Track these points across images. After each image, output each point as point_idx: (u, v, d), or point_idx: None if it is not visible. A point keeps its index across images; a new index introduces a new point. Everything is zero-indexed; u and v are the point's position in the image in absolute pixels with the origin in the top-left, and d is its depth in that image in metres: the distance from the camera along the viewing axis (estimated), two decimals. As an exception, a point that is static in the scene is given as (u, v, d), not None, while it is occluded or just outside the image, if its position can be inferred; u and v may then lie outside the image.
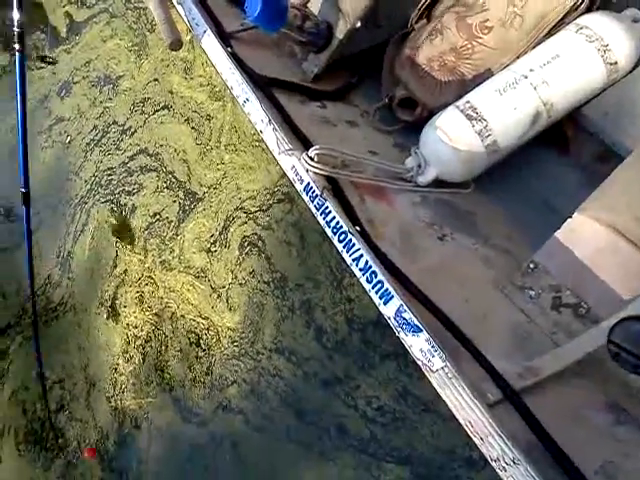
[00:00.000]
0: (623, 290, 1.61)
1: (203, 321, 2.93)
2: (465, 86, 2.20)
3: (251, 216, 2.89)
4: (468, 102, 1.98)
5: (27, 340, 3.81)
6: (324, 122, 2.17)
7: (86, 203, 3.69)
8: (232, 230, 2.94)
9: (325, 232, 1.76)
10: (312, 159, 1.77)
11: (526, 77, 2.00)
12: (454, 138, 1.96)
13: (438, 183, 2.04)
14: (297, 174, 1.83)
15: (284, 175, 2.72)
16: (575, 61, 1.97)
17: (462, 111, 1.97)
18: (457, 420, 1.90)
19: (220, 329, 2.88)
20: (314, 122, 2.12)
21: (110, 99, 3.76)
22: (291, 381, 2.55)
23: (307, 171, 1.78)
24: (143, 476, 3.02)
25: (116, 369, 3.22)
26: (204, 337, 2.92)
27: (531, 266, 1.78)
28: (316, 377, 2.47)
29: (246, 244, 2.85)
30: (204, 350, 2.89)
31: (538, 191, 2.10)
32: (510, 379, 1.45)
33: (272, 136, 1.90)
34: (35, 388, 3.67)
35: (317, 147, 1.79)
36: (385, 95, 2.30)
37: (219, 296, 2.91)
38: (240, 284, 2.82)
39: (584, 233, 1.70)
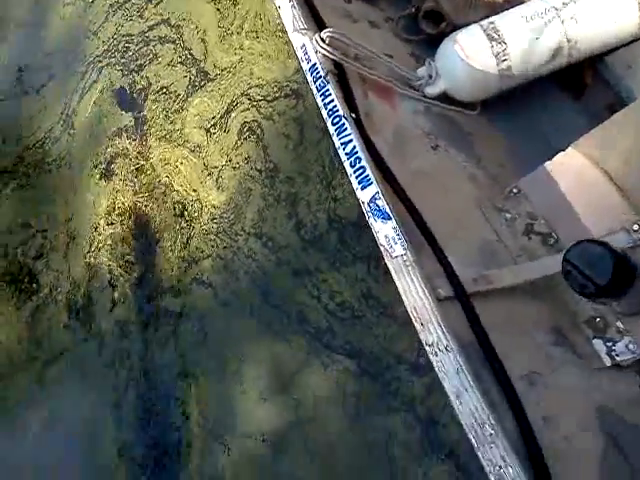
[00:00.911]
0: (595, 228, 1.66)
1: (190, 194, 2.99)
2: (495, 9, 2.18)
3: (255, 104, 2.89)
4: (492, 23, 1.97)
5: (20, 187, 3.86)
6: (346, 16, 2.15)
7: (100, 62, 3.68)
8: (234, 115, 2.96)
9: (321, 113, 1.79)
10: (323, 40, 1.78)
11: (556, 9, 1.98)
12: (470, 55, 1.96)
13: (445, 99, 2.05)
14: (306, 53, 1.84)
15: (298, 71, 2.73)
16: (610, 3, 1.94)
17: (484, 30, 1.96)
18: (411, 327, 2.00)
19: (204, 205, 2.95)
20: (336, 13, 2.10)
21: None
22: (263, 265, 2.64)
23: (316, 52, 1.80)
24: (105, 333, 3.15)
25: (96, 228, 3.30)
26: (188, 210, 2.99)
27: (514, 191, 1.83)
28: (288, 265, 2.56)
29: (245, 130, 2.87)
30: (186, 222, 2.97)
31: (541, 128, 2.12)
32: (464, 282, 1.52)
33: (289, 13, 1.90)
34: (19, 233, 3.76)
35: (331, 30, 1.79)
36: (413, 4, 2.27)
37: (210, 174, 2.96)
38: (233, 167, 2.86)
39: (572, 167, 1.74)
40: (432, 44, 2.08)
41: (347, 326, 2.31)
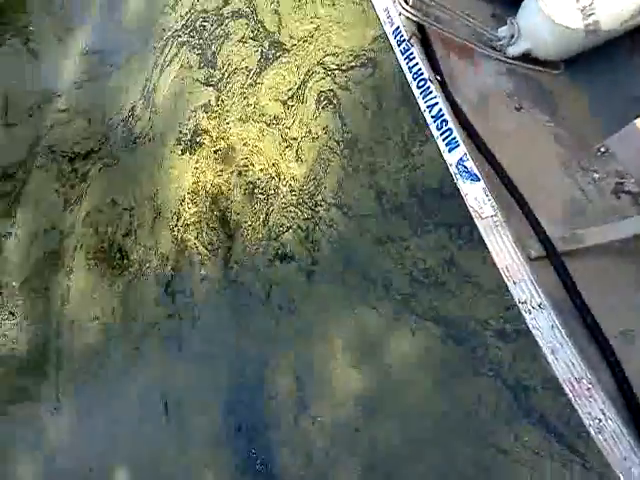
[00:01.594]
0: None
1: (270, 169, 3.06)
2: (579, -38, 2.09)
3: (331, 73, 2.90)
4: (577, -24, 1.91)
5: (106, 167, 4.07)
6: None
7: (179, 37, 3.76)
8: (310, 85, 2.98)
9: (405, 77, 1.81)
10: (407, 2, 1.79)
11: (647, -42, 1.89)
12: (555, 11, 1.91)
13: (528, 59, 2.01)
14: (389, 16, 1.85)
15: (376, 39, 2.72)
16: None
17: (570, -16, 1.90)
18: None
19: (284, 178, 3.01)
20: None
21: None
22: (345, 234, 2.69)
23: (399, 14, 1.80)
24: (192, 307, 3.31)
25: (181, 203, 3.43)
26: (268, 184, 3.06)
27: (601, 150, 1.79)
28: (370, 233, 2.59)
29: (322, 99, 2.89)
30: (266, 196, 3.04)
31: (626, 86, 2.04)
32: (554, 241, 1.52)
33: (371, -24, 1.92)
34: (107, 212, 3.98)
35: (415, -8, 1.79)
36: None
37: (289, 146, 3.01)
38: (312, 138, 2.90)
39: (661, 125, 1.68)
40: (513, 4, 2.04)
41: (432, 292, 2.32)
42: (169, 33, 3.83)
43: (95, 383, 3.74)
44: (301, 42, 3.04)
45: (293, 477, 2.65)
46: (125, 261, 3.73)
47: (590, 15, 1.89)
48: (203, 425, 3.03)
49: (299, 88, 3.01)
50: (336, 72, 2.86)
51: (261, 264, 2.96)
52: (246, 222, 3.09)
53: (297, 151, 2.96)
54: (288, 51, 3.09)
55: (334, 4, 2.89)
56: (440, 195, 2.38)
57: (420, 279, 2.37)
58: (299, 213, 2.87)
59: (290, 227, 2.88)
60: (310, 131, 2.91)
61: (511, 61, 1.96)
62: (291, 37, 3.09)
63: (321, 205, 2.81)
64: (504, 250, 1.49)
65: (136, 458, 3.36)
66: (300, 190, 2.93)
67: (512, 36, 1.95)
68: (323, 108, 2.88)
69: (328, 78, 2.89)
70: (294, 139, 2.98)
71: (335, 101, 2.84)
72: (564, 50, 1.99)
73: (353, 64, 2.79)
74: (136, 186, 3.80)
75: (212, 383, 3.01)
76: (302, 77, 3.00)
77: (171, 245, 3.45)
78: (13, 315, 4.63)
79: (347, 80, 2.80)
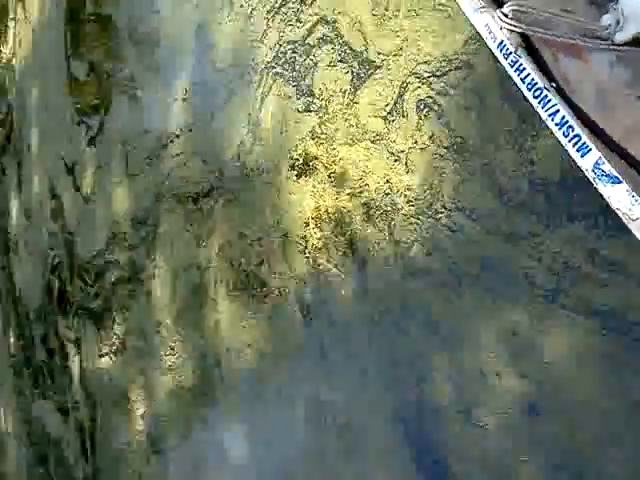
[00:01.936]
0: None
1: (383, 185, 3.14)
2: None
3: (425, 81, 2.92)
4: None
5: (228, 202, 4.36)
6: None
7: (274, 68, 3.90)
8: (407, 97, 3.02)
9: (520, 89, 1.82)
10: (506, 16, 1.80)
11: None
12: (659, -12, 1.82)
13: (638, 42, 1.93)
14: (490, 32, 1.87)
15: (466, 42, 2.70)
16: None
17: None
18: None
19: (399, 191, 3.09)
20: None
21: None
22: (472, 236, 2.71)
23: (501, 28, 1.82)
24: (335, 325, 3.48)
25: (306, 226, 3.61)
26: (384, 201, 3.15)
27: None
28: (498, 233, 2.60)
29: (423, 108, 2.92)
30: (385, 214, 3.14)
31: None
32: None
33: (465, -6, 1.94)
34: (237, 245, 4.26)
35: (512, 3, 1.80)
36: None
37: (397, 160, 3.08)
38: (420, 149, 2.95)
39: None
40: (611, -13, 1.96)
41: (578, 285, 2.30)
42: (262, 66, 3.98)
43: (260, 404, 4.05)
44: (391, 56, 3.08)
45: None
46: (264, 289, 3.99)
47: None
48: (371, 441, 3.21)
49: (396, 102, 3.05)
50: (431, 79, 2.88)
51: (395, 280, 3.06)
52: (372, 241, 3.20)
53: (406, 163, 3.02)
54: (379, 67, 3.14)
55: (417, 14, 2.90)
56: (564, 187, 2.34)
57: (562, 273, 2.35)
58: (421, 224, 2.94)
59: (415, 240, 2.96)
60: (416, 141, 2.96)
61: (622, 48, 1.89)
62: (379, 53, 3.14)
63: (441, 212, 2.85)
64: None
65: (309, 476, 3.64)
66: (416, 200, 2.98)
67: (617, 22, 1.88)
68: (425, 116, 2.91)
69: (424, 86, 2.92)
70: (401, 152, 3.04)
71: (436, 107, 2.86)
72: (676, 26, 1.89)
73: (447, 69, 2.79)
74: (260, 216, 4.04)
75: (372, 399, 3.18)
76: (397, 90, 3.05)
77: (305, 268, 3.64)
78: (173, 350, 5.10)
79: (444, 85, 2.81)
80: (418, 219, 3.00)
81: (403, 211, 3.08)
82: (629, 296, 2.16)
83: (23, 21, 9.80)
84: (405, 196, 3.07)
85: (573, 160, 1.71)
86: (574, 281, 2.33)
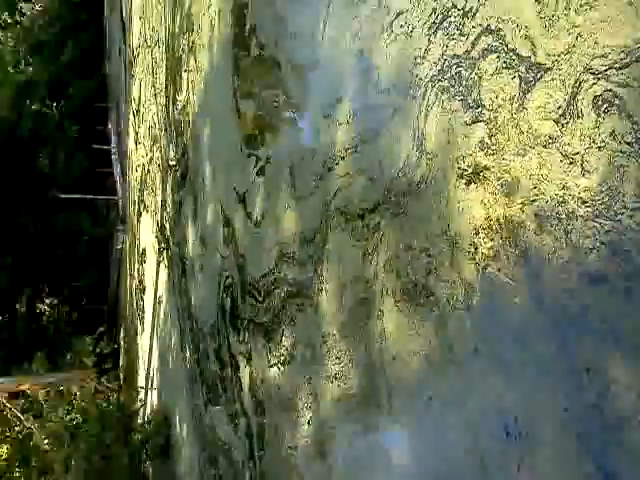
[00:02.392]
0: None
1: (559, 191, 3.09)
2: None
3: (602, 76, 2.85)
4: None
5: (394, 216, 4.52)
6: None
7: (440, 81, 4.00)
8: (582, 95, 2.97)
9: None
10: None
11: None
12: None
13: None
14: None
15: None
16: None
17: None
18: None
19: (573, 195, 3.02)
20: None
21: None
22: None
23: None
24: (507, 330, 3.46)
25: (476, 234, 3.63)
26: (558, 208, 3.09)
27: None
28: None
29: (601, 103, 2.85)
30: (559, 222, 3.08)
31: None
32: None
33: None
34: (404, 256, 4.39)
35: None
36: None
37: (572, 162, 3.02)
38: (598, 148, 2.87)
39: None
40: None
41: None
42: (427, 79, 4.12)
43: (428, 410, 4.10)
44: (562, 56, 3.05)
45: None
46: (432, 298, 4.06)
47: None
48: (544, 450, 3.12)
49: (569, 102, 3.01)
50: (609, 72, 2.81)
51: (575, 289, 2.99)
52: (547, 250, 3.15)
53: (582, 165, 2.95)
54: (549, 69, 3.13)
55: (592, 7, 2.86)
56: None
57: None
58: (599, 228, 2.85)
59: (594, 246, 2.87)
60: (594, 140, 2.89)
61: None
62: (548, 55, 3.13)
63: (622, 212, 2.75)
64: None
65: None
66: (594, 201, 2.90)
67: None
68: (605, 112, 2.84)
69: (602, 81, 2.86)
70: (576, 154, 2.98)
71: (617, 101, 2.78)
72: None
73: (628, 60, 2.71)
74: (427, 227, 4.14)
75: (547, 407, 3.10)
76: (570, 90, 3.01)
77: (475, 276, 3.66)
78: (339, 359, 5.32)
79: (626, 77, 2.73)
80: (597, 222, 2.91)
81: (580, 215, 3.00)
82: None
83: (195, 71, 11.02)
84: (581, 199, 2.99)
85: None
86: None
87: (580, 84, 2.98)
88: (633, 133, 2.72)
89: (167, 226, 13.30)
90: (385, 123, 4.76)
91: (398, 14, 4.59)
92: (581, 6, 2.94)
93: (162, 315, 13.50)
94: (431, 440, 4.11)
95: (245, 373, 7.67)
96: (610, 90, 2.83)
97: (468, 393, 3.73)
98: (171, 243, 12.84)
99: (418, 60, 4.32)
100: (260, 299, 7.23)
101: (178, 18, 12.41)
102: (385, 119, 4.76)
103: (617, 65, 2.78)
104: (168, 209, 13.18)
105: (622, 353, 2.75)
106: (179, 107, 12.34)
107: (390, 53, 4.72)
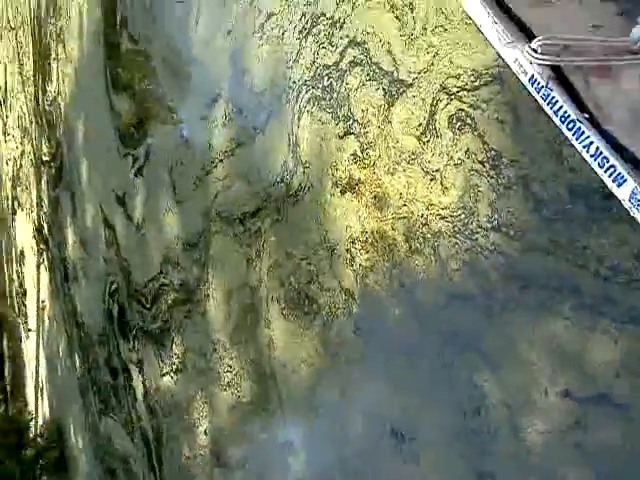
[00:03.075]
0: None
1: (422, 206, 3.18)
2: None
3: (457, 96, 2.96)
4: None
5: (275, 222, 4.49)
6: (542, 2, 2.13)
7: (313, 88, 3.99)
8: (440, 113, 3.06)
9: (553, 121, 1.86)
10: (535, 51, 1.85)
11: None
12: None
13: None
14: (521, 66, 1.92)
15: (498, 56, 2.72)
16: None
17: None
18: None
19: (437, 212, 3.12)
20: (532, 4, 2.11)
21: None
22: (511, 255, 2.73)
23: (531, 63, 1.86)
24: (385, 336, 3.55)
25: (353, 242, 3.68)
26: (424, 223, 3.19)
27: None
28: (536, 247, 2.61)
29: (455, 121, 2.96)
30: (424, 238, 3.19)
31: None
32: None
33: (492, 30, 1.99)
34: (286, 264, 4.39)
35: (539, 38, 1.84)
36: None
37: (433, 179, 3.12)
38: (455, 165, 2.98)
39: None
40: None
41: (628, 291, 2.29)
42: (300, 83, 4.10)
43: (317, 416, 4.16)
44: (422, 73, 3.12)
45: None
46: (315, 306, 4.10)
47: None
48: (434, 453, 3.27)
49: (429, 119, 3.10)
50: (462, 93, 2.92)
51: (440, 304, 3.11)
52: (416, 264, 3.25)
53: (442, 182, 3.05)
54: (411, 85, 3.20)
55: (446, 30, 2.94)
56: (606, 193, 2.33)
57: (610, 278, 2.33)
58: (460, 245, 2.97)
59: (456, 263, 2.99)
60: (452, 157, 3.00)
61: (654, 61, 1.91)
62: (410, 72, 3.19)
63: (477, 232, 2.88)
64: None
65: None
66: (453, 220, 3.01)
67: (647, 34, 1.90)
68: (459, 130, 2.95)
69: (455, 101, 2.96)
70: (436, 171, 3.08)
71: (469, 121, 2.90)
72: None
73: (478, 83, 2.83)
74: (306, 234, 4.15)
75: (435, 411, 3.24)
76: (429, 107, 3.09)
77: (353, 282, 3.73)
78: (231, 367, 5.27)
79: (476, 99, 2.84)
80: (458, 240, 3.03)
81: (443, 233, 3.11)
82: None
83: (65, 60, 10.26)
84: (442, 217, 3.11)
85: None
86: (623, 286, 2.32)
87: (437, 102, 3.07)
88: (485, 153, 2.85)
89: (45, 226, 12.45)
90: (261, 126, 4.69)
91: (269, 16, 4.50)
92: (436, 27, 3.01)
93: (47, 321, 12.70)
94: (320, 442, 4.18)
95: (138, 382, 7.41)
96: (463, 110, 2.94)
97: (353, 399, 3.83)
98: (51, 244, 12.04)
99: (290, 63, 4.27)
100: (147, 305, 6.98)
101: (44, 1, 11.48)
102: (261, 122, 4.69)
103: (468, 87, 2.89)
104: (45, 208, 12.32)
105: (490, 368, 2.91)
106: (50, 98, 11.48)
107: (263, 54, 4.63)
